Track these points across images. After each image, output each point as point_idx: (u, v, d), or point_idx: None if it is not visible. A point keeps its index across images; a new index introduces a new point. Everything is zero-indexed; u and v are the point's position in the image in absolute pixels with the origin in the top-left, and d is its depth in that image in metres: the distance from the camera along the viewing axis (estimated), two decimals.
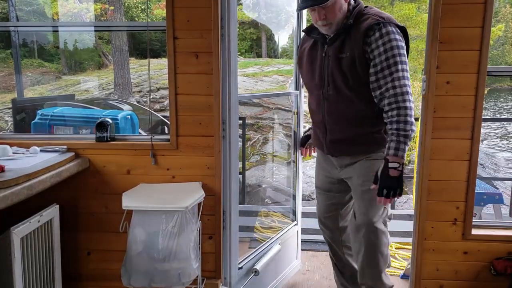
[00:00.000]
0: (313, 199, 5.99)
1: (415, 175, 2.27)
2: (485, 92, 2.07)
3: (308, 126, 2.45)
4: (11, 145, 2.20)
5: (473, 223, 2.18)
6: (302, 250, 3.01)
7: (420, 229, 2.16)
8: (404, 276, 2.78)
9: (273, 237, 2.63)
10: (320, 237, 2.62)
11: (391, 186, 1.82)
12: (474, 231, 2.17)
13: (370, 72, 1.89)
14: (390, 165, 1.82)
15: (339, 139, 2.03)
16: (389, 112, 1.86)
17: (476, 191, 2.15)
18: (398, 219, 3.37)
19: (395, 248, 3.18)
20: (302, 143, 2.48)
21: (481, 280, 2.20)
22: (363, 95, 1.92)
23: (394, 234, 3.13)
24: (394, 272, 2.87)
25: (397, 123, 1.83)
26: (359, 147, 2.02)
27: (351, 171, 2.07)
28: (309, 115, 2.25)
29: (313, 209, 3.31)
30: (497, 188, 3.93)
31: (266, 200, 5.23)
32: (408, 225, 2.90)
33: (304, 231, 3.07)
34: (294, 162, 2.74)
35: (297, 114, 2.66)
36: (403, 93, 1.84)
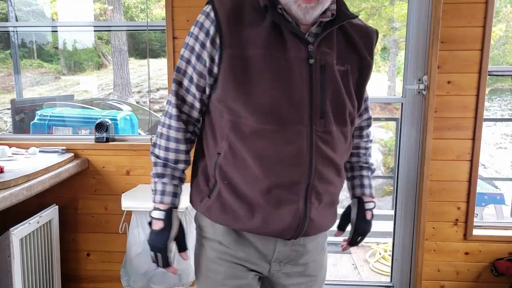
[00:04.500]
0: None
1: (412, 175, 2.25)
2: (487, 92, 2.07)
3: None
4: (10, 145, 2.20)
5: (474, 224, 2.17)
6: None
7: (421, 229, 2.15)
8: None
9: None
10: None
11: (366, 232, 1.31)
12: (476, 232, 2.17)
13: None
14: (367, 206, 1.29)
15: (329, 205, 1.14)
16: (368, 142, 1.33)
17: (477, 191, 2.14)
18: None
19: None
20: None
21: (483, 281, 2.20)
22: (353, 128, 1.17)
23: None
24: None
25: (370, 156, 1.35)
26: (335, 211, 1.21)
27: (307, 263, 1.17)
28: None
29: None
30: (498, 188, 3.92)
31: None
32: None
33: None
34: None
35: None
36: None
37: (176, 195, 1.11)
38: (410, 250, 2.28)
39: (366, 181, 1.30)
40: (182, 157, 1.11)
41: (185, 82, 1.06)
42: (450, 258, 2.19)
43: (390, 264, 2.49)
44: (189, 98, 1.07)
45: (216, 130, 1.06)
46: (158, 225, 1.09)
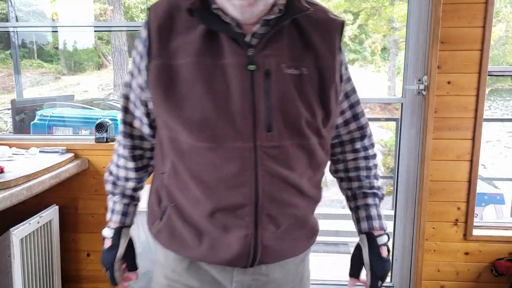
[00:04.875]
0: None
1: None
2: (486, 92, 2.07)
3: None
4: (10, 146, 2.20)
5: (474, 224, 2.17)
6: None
7: (421, 230, 2.15)
8: None
9: None
10: (320, 238, 2.60)
11: (385, 273, 1.06)
12: (475, 232, 2.17)
13: (340, 99, 1.01)
14: (380, 241, 1.05)
15: (296, 228, 0.97)
16: (369, 160, 1.08)
17: (477, 191, 2.14)
18: None
19: None
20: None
21: (483, 281, 2.20)
22: (326, 140, 0.98)
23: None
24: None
25: (376, 179, 1.09)
26: (309, 234, 1.03)
27: None
28: None
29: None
30: (498, 188, 3.92)
31: None
32: None
33: None
34: None
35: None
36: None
37: (126, 214, 1.08)
38: (410, 250, 2.28)
39: (373, 211, 1.06)
40: (131, 175, 1.06)
41: (132, 96, 0.99)
42: (450, 258, 2.19)
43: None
44: (138, 113, 1.00)
45: (163, 147, 0.96)
46: (107, 243, 1.07)
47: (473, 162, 2.10)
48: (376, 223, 1.05)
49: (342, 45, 0.98)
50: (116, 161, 1.06)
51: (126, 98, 1.00)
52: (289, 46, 0.90)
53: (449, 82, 2.05)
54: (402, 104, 2.22)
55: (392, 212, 2.38)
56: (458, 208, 2.15)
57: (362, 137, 1.06)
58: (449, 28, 2.00)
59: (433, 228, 2.17)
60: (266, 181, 0.88)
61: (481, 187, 3.51)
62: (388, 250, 1.06)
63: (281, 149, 0.89)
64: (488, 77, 2.04)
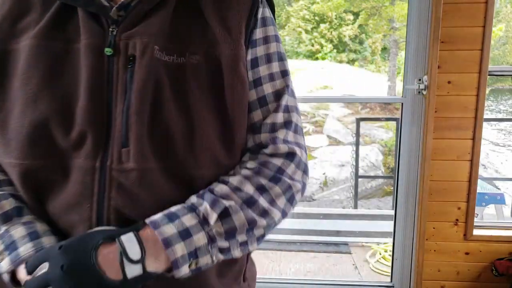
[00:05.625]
0: (314, 199, 6.01)
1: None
2: (487, 92, 2.07)
3: None
4: None
5: (475, 224, 2.17)
6: (302, 251, 3.00)
7: (421, 229, 2.15)
8: None
9: None
10: (321, 238, 2.61)
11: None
12: (476, 232, 2.17)
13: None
14: (126, 238, 0.56)
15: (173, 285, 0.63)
16: (245, 181, 0.64)
17: (477, 191, 2.14)
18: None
19: None
20: None
21: (483, 280, 2.19)
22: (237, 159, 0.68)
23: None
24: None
25: (232, 215, 0.61)
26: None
27: None
28: None
29: (313, 209, 3.31)
30: (498, 189, 3.93)
31: None
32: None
33: (304, 231, 3.07)
34: None
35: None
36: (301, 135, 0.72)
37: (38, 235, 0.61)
38: (411, 250, 2.28)
39: (176, 210, 0.60)
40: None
41: None
42: (451, 258, 2.19)
43: (390, 264, 2.50)
44: None
45: None
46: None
47: (473, 162, 2.10)
48: (158, 219, 0.59)
49: (266, 24, 0.69)
50: None
51: None
52: (172, 22, 0.63)
53: (449, 82, 2.05)
54: (402, 104, 2.22)
55: (392, 212, 2.39)
56: (459, 208, 2.14)
57: (272, 155, 0.67)
58: (449, 28, 2.00)
59: (434, 228, 2.17)
60: (114, 220, 0.59)
61: (482, 187, 3.51)
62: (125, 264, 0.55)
63: (141, 175, 0.59)
64: (488, 77, 2.04)
